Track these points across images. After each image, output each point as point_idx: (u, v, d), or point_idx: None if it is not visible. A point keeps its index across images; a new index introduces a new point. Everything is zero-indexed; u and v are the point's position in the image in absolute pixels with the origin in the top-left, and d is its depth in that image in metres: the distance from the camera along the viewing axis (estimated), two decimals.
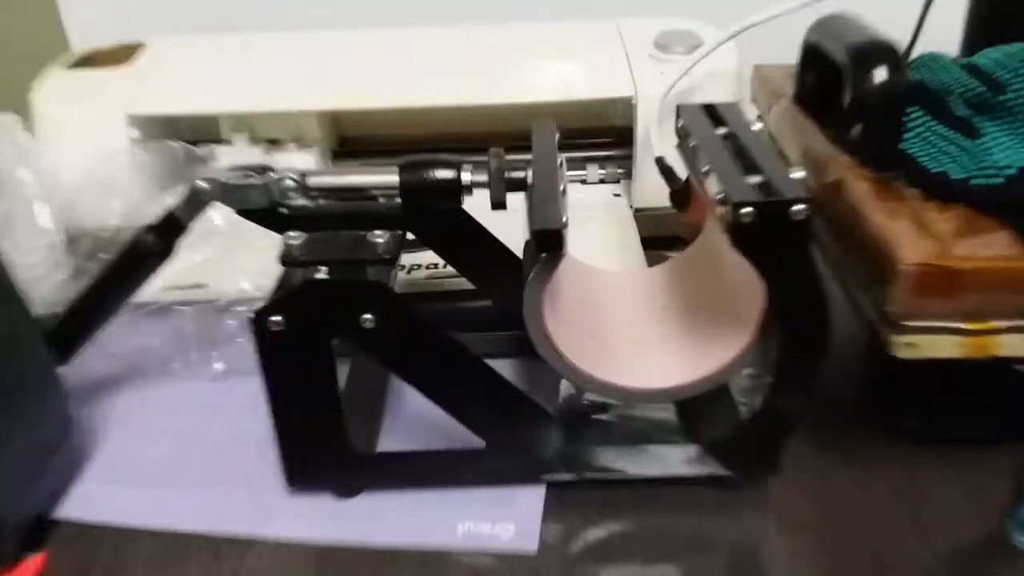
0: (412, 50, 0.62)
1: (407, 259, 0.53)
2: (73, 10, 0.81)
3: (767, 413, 0.37)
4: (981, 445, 0.40)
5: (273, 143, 0.59)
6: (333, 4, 0.76)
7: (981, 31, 0.57)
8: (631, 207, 0.59)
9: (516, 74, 0.59)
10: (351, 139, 0.63)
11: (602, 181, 0.63)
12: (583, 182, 0.62)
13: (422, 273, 0.52)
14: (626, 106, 0.57)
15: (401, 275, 0.51)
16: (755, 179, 0.34)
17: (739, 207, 0.32)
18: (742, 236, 0.33)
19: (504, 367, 0.40)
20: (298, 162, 0.58)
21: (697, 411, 0.42)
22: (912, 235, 0.34)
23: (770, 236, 0.32)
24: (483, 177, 0.38)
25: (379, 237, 0.37)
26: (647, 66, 0.58)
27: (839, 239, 0.38)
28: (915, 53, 0.48)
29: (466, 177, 0.38)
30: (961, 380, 0.40)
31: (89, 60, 0.62)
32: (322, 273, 0.35)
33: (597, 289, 0.43)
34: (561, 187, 0.37)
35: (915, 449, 0.40)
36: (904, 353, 0.34)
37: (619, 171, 0.62)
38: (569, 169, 0.51)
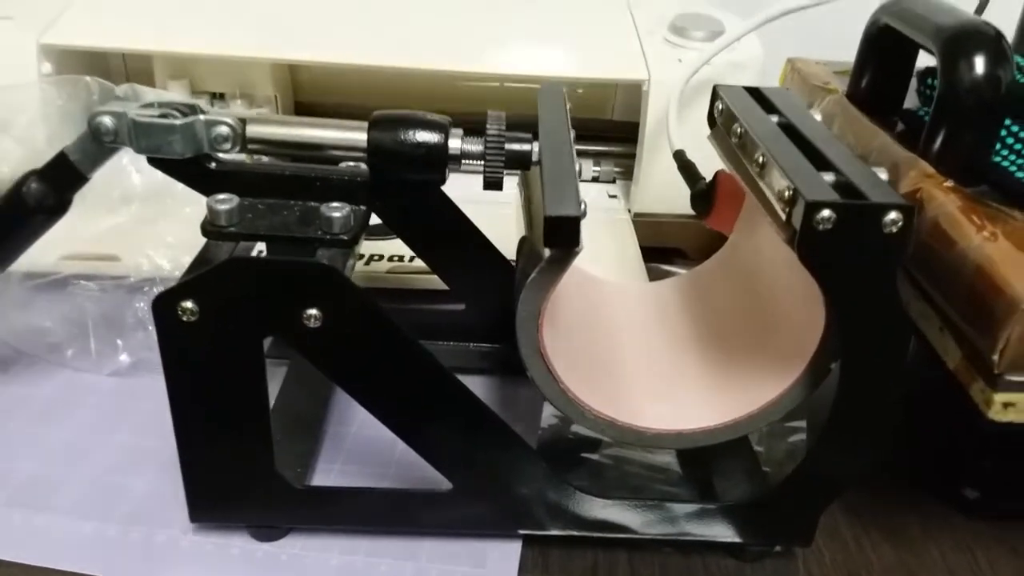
0: (392, 5, 0.53)
1: (367, 246, 0.44)
2: None
3: (808, 472, 0.29)
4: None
5: (216, 97, 0.50)
6: None
7: None
8: (629, 211, 0.52)
9: (512, 44, 0.51)
10: (308, 105, 0.54)
11: (596, 179, 0.56)
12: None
13: (384, 265, 0.44)
14: (630, 95, 0.49)
15: (358, 265, 0.42)
16: (830, 177, 0.27)
17: (816, 208, 0.24)
18: (814, 246, 0.25)
19: (473, 385, 0.32)
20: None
21: (709, 461, 0.34)
22: (1011, 260, 0.27)
23: (852, 249, 0.25)
24: (477, 146, 0.30)
25: (335, 211, 0.28)
26: (662, 50, 0.51)
27: (917, 265, 0.31)
28: None
29: (455, 144, 0.29)
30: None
31: None
32: (256, 251, 0.27)
33: (602, 303, 0.35)
34: (577, 167, 0.29)
35: (972, 524, 0.33)
36: (1001, 416, 0.27)
37: (616, 170, 0.55)
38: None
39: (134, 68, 0.49)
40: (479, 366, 0.39)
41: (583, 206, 0.26)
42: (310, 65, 0.52)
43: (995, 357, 0.26)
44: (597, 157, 0.56)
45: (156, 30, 0.47)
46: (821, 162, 0.27)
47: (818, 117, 0.43)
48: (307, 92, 0.54)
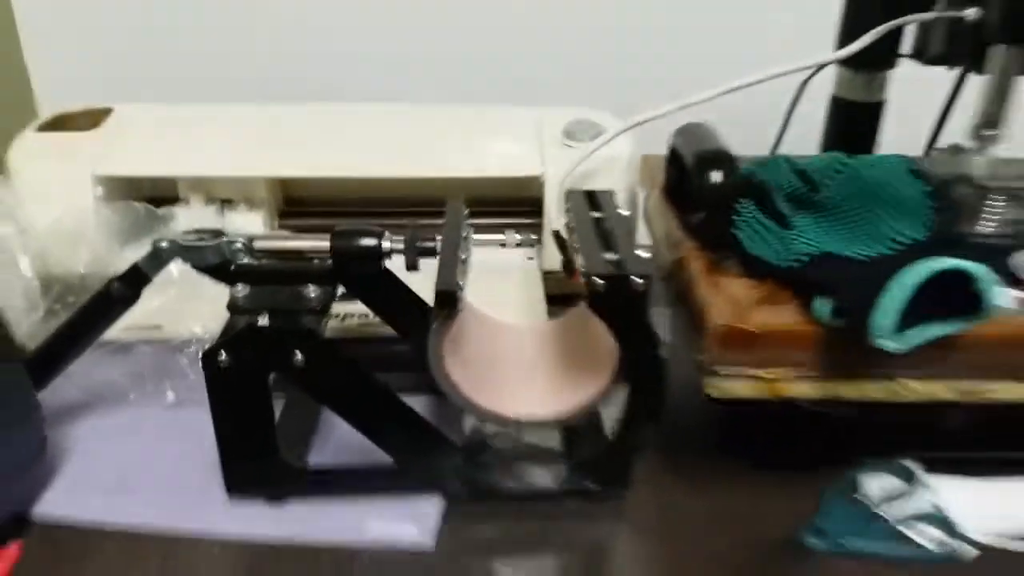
0: (351, 124, 0.71)
1: (342, 309, 0.61)
2: (42, 74, 0.89)
3: (619, 442, 0.46)
4: (799, 470, 0.49)
5: (226, 203, 0.67)
6: (289, 80, 0.86)
7: (834, 139, 0.69)
8: (541, 270, 0.69)
9: (444, 151, 0.68)
10: (296, 200, 0.72)
11: (519, 245, 0.72)
12: (503, 245, 0.72)
13: (355, 321, 0.60)
14: (539, 183, 0.67)
15: (336, 323, 0.59)
16: (612, 256, 0.44)
17: (594, 278, 0.42)
18: (596, 301, 0.42)
19: (420, 402, 0.49)
20: (247, 220, 0.67)
21: (574, 440, 0.51)
22: (723, 303, 0.44)
23: (617, 303, 0.42)
24: (400, 245, 0.47)
25: (312, 291, 0.45)
26: (556, 150, 0.68)
27: (680, 304, 0.48)
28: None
29: (386, 245, 0.47)
30: (784, 418, 0.50)
31: (60, 123, 0.70)
32: (263, 320, 0.44)
33: (498, 338, 0.52)
34: (463, 256, 0.46)
35: (749, 474, 0.50)
36: (714, 393, 0.44)
37: (533, 237, 0.72)
38: (492, 234, 0.60)
39: (161, 185, 0.66)
40: (423, 388, 0.55)
41: (461, 284, 0.43)
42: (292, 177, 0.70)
43: (703, 358, 0.43)
44: (521, 228, 0.73)
45: (179, 159, 0.65)
46: (611, 247, 0.45)
47: (650, 204, 0.60)
48: (292, 190, 0.72)
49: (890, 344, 0.40)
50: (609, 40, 0.92)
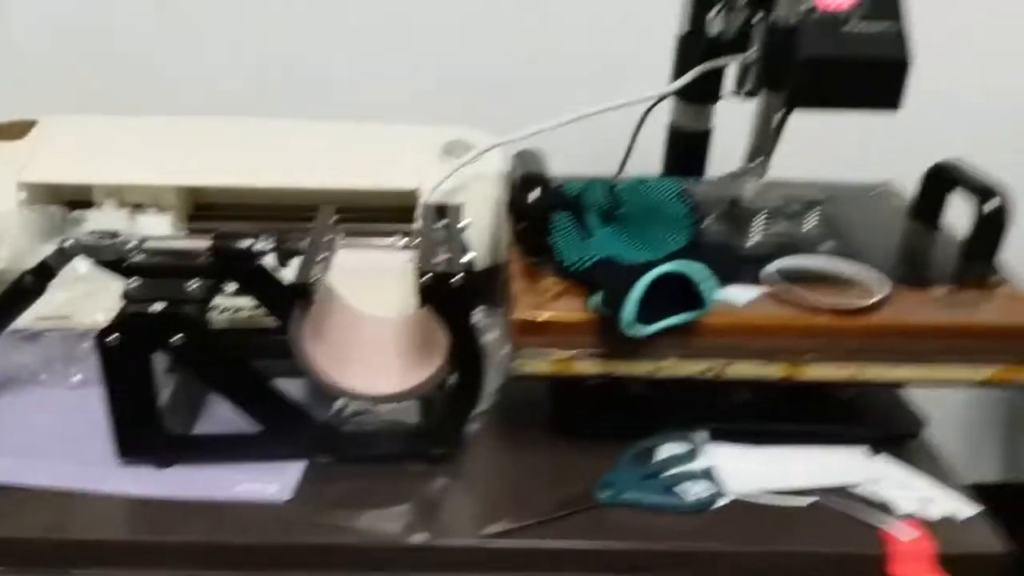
0: (254, 138, 0.80)
1: (235, 303, 0.70)
2: None
3: (450, 414, 0.56)
4: (609, 440, 0.59)
5: (137, 207, 0.76)
6: (202, 92, 0.95)
7: (672, 161, 0.79)
8: None
9: (334, 165, 0.78)
10: (205, 205, 0.80)
11: (405, 248, 0.82)
12: (390, 247, 0.81)
13: (245, 314, 0.69)
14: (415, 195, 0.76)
15: (228, 315, 0.68)
16: (442, 258, 0.53)
17: (421, 275, 0.51)
18: (423, 295, 0.51)
19: (297, 384, 0.58)
20: (156, 223, 0.75)
21: (421, 412, 0.60)
22: (528, 298, 0.54)
23: (440, 297, 0.51)
24: (270, 246, 0.56)
25: (193, 284, 0.54)
26: (433, 166, 0.77)
27: (504, 300, 0.58)
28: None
29: (258, 246, 0.56)
30: (599, 396, 0.60)
31: None
32: (150, 307, 0.52)
33: (359, 326, 0.61)
34: (324, 255, 0.56)
35: (567, 442, 0.60)
36: (517, 370, 0.54)
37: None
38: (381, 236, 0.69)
39: (80, 190, 0.74)
40: (298, 371, 0.64)
41: (314, 279, 0.52)
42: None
43: (510, 341, 0.53)
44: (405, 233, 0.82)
45: (94, 167, 0.73)
46: (440, 251, 0.54)
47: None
48: (199, 196, 0.80)
49: (633, 331, 0.51)
50: (499, 64, 1.02)
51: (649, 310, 0.51)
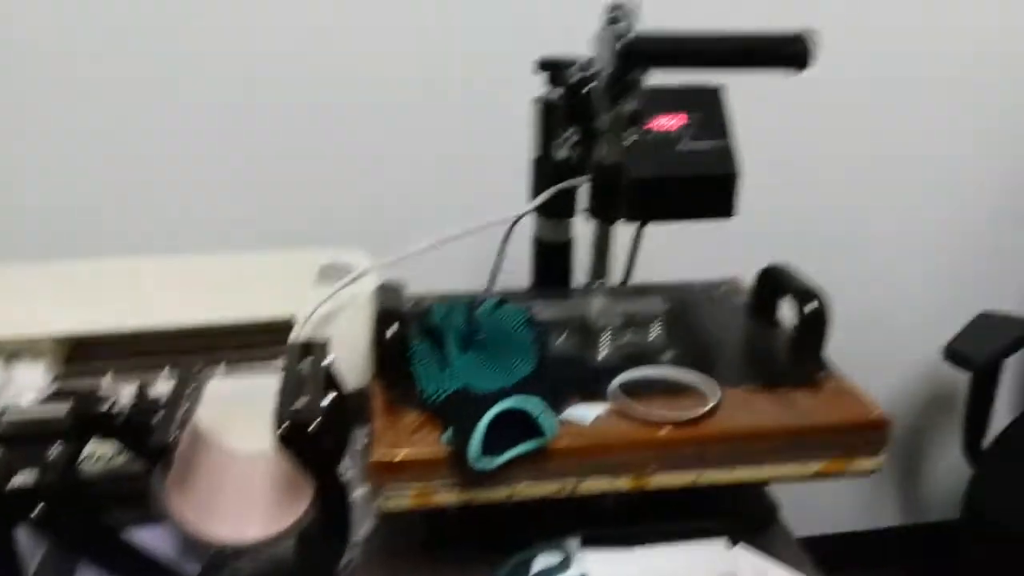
0: (126, 279, 0.81)
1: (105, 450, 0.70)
2: None
3: (321, 553, 0.57)
4: (486, 552, 0.61)
5: (13, 355, 0.76)
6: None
7: (539, 272, 0.84)
8: None
9: (205, 302, 0.79)
10: (83, 345, 0.81)
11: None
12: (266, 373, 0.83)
13: (119, 460, 0.70)
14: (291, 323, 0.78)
15: (102, 463, 0.68)
16: (301, 403, 0.56)
17: (278, 424, 0.53)
18: (282, 443, 0.54)
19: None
20: (31, 370, 0.75)
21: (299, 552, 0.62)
22: (387, 436, 0.57)
23: (299, 443, 0.54)
24: (131, 403, 0.57)
25: (56, 449, 0.55)
26: (307, 291, 0.80)
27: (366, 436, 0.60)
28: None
29: (117, 407, 0.57)
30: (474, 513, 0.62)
31: None
32: (9, 484, 0.53)
33: (227, 468, 0.63)
34: (183, 409, 0.57)
35: (447, 559, 0.62)
36: (383, 507, 0.56)
37: None
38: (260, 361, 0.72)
39: None
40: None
41: (171, 439, 0.54)
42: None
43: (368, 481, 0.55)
44: None
45: None
46: (300, 394, 0.56)
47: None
48: (78, 340, 0.80)
49: (481, 465, 0.54)
50: (378, 187, 1.07)
51: (498, 439, 0.55)
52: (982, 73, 1.22)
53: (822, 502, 1.41)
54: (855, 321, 1.04)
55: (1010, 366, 1.27)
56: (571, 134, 0.67)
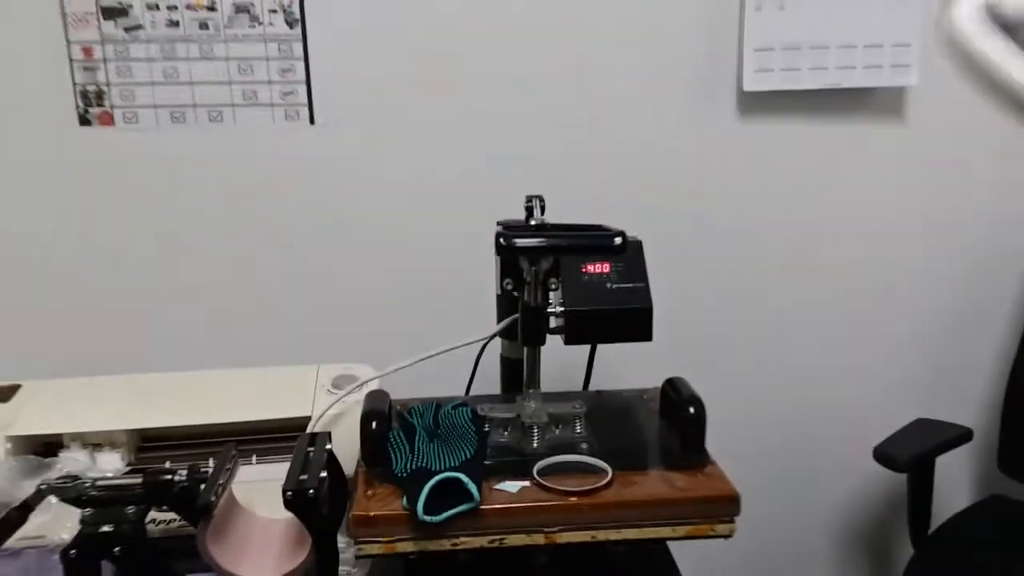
0: (184, 387, 1.06)
1: (168, 516, 0.93)
2: None
3: None
4: None
5: (96, 446, 1.00)
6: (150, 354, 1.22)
7: (506, 381, 1.06)
8: None
9: (242, 403, 1.03)
10: (151, 437, 1.05)
11: None
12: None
13: (176, 524, 0.92)
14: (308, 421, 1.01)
15: (162, 526, 0.91)
16: (305, 476, 0.78)
17: (285, 491, 0.75)
18: (287, 505, 0.75)
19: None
20: (111, 458, 0.99)
21: None
22: (364, 500, 0.78)
23: (300, 506, 0.75)
24: (183, 478, 0.80)
25: (131, 509, 0.78)
26: (323, 397, 1.03)
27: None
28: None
29: (176, 478, 0.80)
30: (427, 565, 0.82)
31: None
32: (96, 528, 0.75)
33: (253, 527, 0.85)
34: (224, 479, 0.80)
35: None
36: (360, 554, 0.77)
37: None
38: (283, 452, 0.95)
39: (52, 436, 0.99)
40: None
41: (212, 500, 0.76)
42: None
43: (349, 534, 0.77)
44: None
45: (62, 421, 0.98)
46: (304, 471, 0.79)
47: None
48: (147, 432, 1.04)
49: (425, 519, 0.75)
50: (380, 314, 1.32)
51: (442, 503, 0.76)
52: (929, 181, 1.46)
53: None
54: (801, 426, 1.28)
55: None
56: (507, 283, 0.91)
